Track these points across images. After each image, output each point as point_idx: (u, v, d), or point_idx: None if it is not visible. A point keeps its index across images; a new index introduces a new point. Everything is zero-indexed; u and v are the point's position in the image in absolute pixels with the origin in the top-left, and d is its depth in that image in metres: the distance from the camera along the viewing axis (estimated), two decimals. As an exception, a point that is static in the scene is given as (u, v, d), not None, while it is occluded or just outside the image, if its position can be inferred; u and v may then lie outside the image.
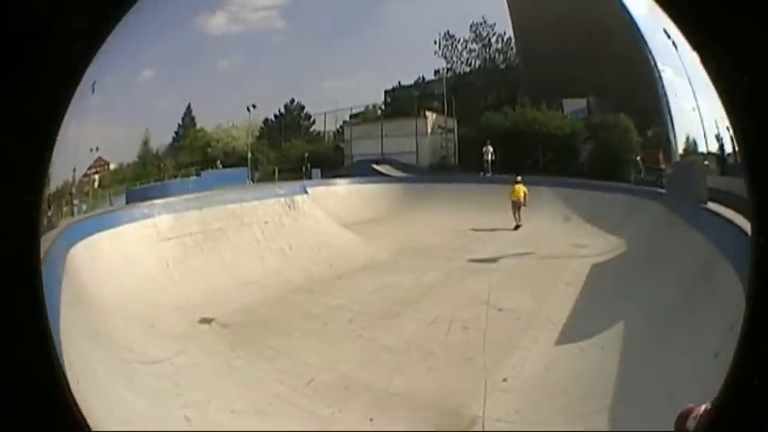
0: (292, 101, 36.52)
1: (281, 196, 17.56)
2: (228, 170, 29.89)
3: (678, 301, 7.98)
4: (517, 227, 19.64)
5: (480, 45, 33.03)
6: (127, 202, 21.59)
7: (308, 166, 30.72)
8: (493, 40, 32.84)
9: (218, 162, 31.31)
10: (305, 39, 33.45)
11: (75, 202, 22.13)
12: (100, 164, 27.09)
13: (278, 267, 13.81)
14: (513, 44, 32.10)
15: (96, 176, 26.65)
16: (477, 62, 33.33)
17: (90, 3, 1.99)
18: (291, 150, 33.53)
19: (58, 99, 1.92)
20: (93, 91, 18.65)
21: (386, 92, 35.28)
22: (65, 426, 1.96)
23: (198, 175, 28.43)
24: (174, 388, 7.24)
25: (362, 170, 28.80)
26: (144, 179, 28.42)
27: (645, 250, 12.16)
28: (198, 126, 34.46)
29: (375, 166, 29.40)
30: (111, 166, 28.29)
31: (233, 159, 31.83)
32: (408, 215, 19.17)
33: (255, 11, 37.27)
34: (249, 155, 31.48)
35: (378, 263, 14.48)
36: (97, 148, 27.37)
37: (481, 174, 26.41)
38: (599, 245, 14.89)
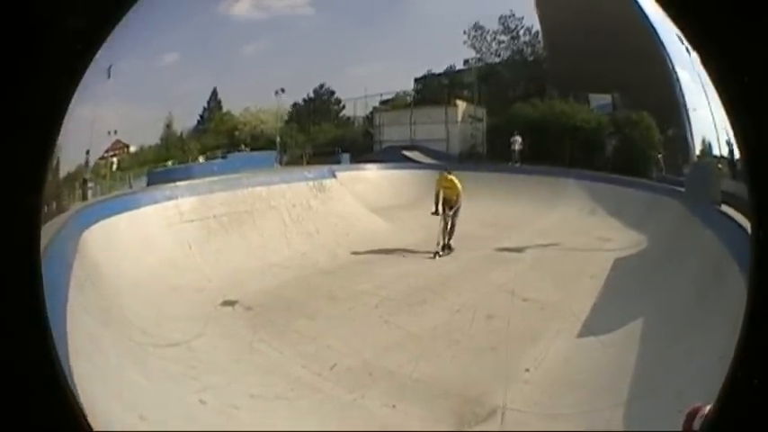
0: (321, 86, 36.45)
1: (309, 180, 17.57)
2: (256, 153, 29.78)
3: (692, 298, 7.99)
4: (444, 248, 14.23)
5: (509, 37, 32.85)
6: (148, 185, 21.60)
7: (338, 150, 30.51)
8: (521, 32, 32.64)
9: (243, 145, 31.19)
10: (333, 25, 33.41)
11: (90, 185, 22.17)
12: (118, 146, 27.22)
13: (304, 250, 13.89)
14: (540, 37, 31.77)
15: (114, 159, 26.75)
16: (506, 54, 33.07)
17: (90, 3, 2.00)
18: (320, 134, 33.53)
19: (58, 99, 1.93)
20: (109, 76, 18.77)
21: (416, 79, 34.88)
22: (65, 425, 1.97)
23: (224, 157, 28.34)
24: (190, 371, 7.23)
25: (392, 156, 28.65)
26: (166, 162, 28.42)
27: (664, 247, 12.06)
28: (224, 110, 34.47)
29: (405, 152, 29.29)
30: (132, 149, 28.46)
31: (261, 143, 31.81)
32: (427, 202, 18.41)
33: None
34: (278, 138, 31.41)
35: (405, 248, 14.45)
36: (115, 131, 27.33)
37: (509, 163, 26.20)
38: (622, 239, 14.69)
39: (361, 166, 26.17)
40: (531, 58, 32.65)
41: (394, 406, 6.49)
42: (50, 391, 1.96)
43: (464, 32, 32.76)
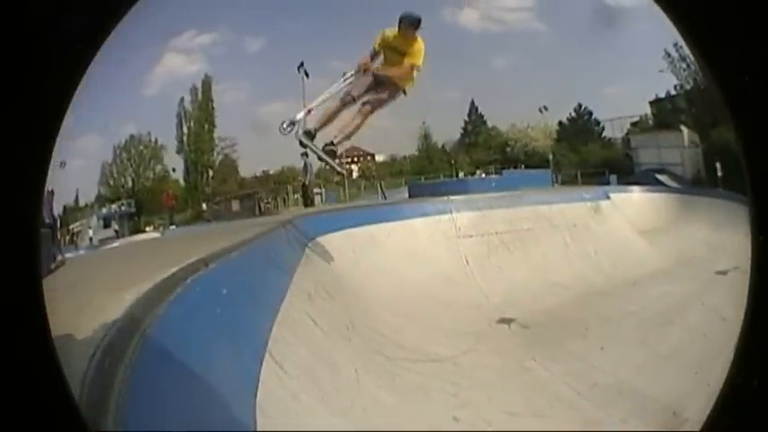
0: (580, 105, 36.24)
1: (586, 200, 17.16)
2: (532, 171, 30.24)
3: None
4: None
5: (686, 65, 32.92)
6: (410, 196, 21.96)
7: (606, 171, 30.32)
8: (690, 60, 31.42)
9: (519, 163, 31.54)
10: (566, 43, 33.53)
11: (317, 190, 22.81)
12: (356, 153, 28.15)
13: (583, 270, 13.39)
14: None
15: (353, 166, 27.63)
16: (691, 81, 33.16)
17: (90, 3, 1.95)
18: (590, 155, 33.48)
19: (58, 99, 1.88)
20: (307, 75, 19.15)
21: (650, 102, 35.91)
22: (65, 425, 1.88)
23: (499, 173, 28.68)
24: (450, 387, 7.00)
25: (647, 178, 28.97)
26: (428, 174, 29.15)
27: None
28: (488, 124, 35.01)
29: (657, 176, 29.45)
30: (379, 158, 29.38)
31: (534, 160, 32.02)
32: (679, 226, 18.02)
33: (509, 11, 37.45)
34: (551, 156, 31.53)
35: (660, 271, 13.67)
36: None
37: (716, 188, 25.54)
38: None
39: (627, 188, 25.62)
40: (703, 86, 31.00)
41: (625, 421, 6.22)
42: (50, 391, 1.82)
43: (663, 58, 33.23)
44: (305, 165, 24.67)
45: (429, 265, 11.81)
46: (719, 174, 25.51)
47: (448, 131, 33.99)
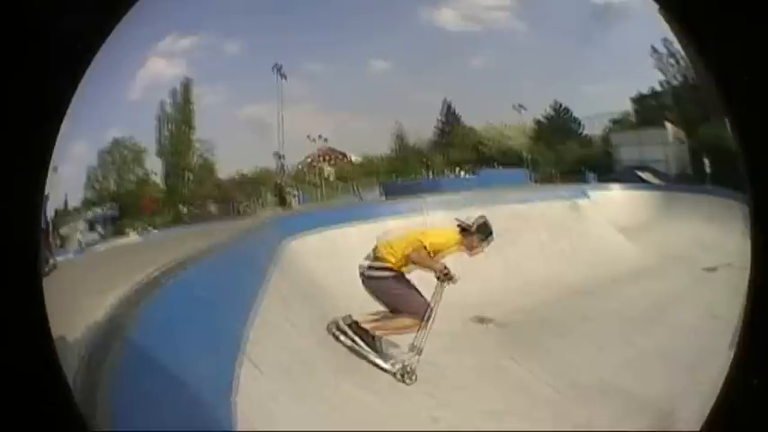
0: (560, 104, 36.44)
1: (564, 198, 17.38)
2: (508, 170, 30.33)
3: None
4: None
5: (674, 61, 31.40)
6: (385, 196, 22.07)
7: (583, 169, 30.15)
8: (680, 57, 31.02)
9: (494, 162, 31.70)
10: (545, 41, 33.50)
11: (294, 192, 22.93)
12: (331, 154, 28.45)
13: (561, 269, 13.50)
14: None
15: (327, 167, 27.86)
16: (679, 77, 31.73)
17: (90, 3, 2.02)
18: (568, 153, 33.54)
19: (58, 99, 1.94)
20: (284, 76, 19.42)
21: (631, 99, 34.46)
22: (65, 425, 1.93)
23: (475, 173, 28.86)
24: (428, 387, 7.11)
25: (630, 176, 28.53)
26: (403, 174, 29.35)
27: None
28: (463, 124, 35.19)
29: (639, 173, 29.16)
30: (354, 158, 29.67)
31: (510, 159, 32.16)
32: (663, 223, 18.00)
33: (488, 10, 37.45)
34: (527, 155, 31.74)
35: (645, 268, 13.73)
36: (325, 138, 28.56)
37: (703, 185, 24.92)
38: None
39: (607, 185, 25.66)
40: (695, 83, 30.99)
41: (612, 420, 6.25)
42: (50, 391, 1.92)
43: (650, 54, 32.09)
44: (281, 166, 24.98)
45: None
46: (708, 170, 25.34)
47: (423, 131, 34.13)
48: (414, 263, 7.56)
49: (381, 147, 32.00)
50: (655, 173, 28.84)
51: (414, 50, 29.58)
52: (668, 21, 2.11)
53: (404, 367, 7.14)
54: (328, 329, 7.62)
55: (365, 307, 9.10)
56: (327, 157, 29.23)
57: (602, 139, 34.75)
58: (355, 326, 7.54)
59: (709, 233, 15.63)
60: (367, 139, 31.79)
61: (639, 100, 34.09)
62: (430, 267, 7.51)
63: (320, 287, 9.95)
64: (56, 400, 1.92)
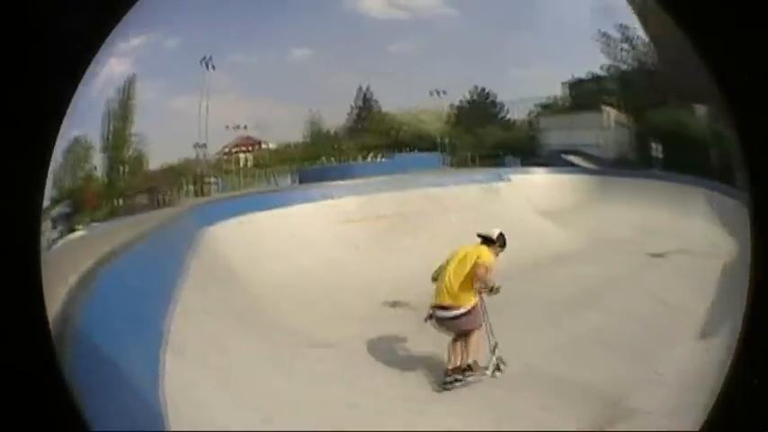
0: (483, 89, 36.48)
1: (480, 182, 17.62)
2: (422, 154, 30.17)
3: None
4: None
5: (629, 46, 32.00)
6: (300, 183, 22.08)
7: (502, 153, 30.29)
8: (638, 43, 31.58)
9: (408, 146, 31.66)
10: (475, 27, 33.51)
11: (212, 180, 22.89)
12: (249, 142, 28.49)
13: None
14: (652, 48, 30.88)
15: (245, 155, 27.86)
16: (633, 63, 32.47)
17: (90, 3, 2.06)
18: (487, 137, 33.51)
19: (58, 99, 1.98)
20: (213, 68, 19.37)
21: (564, 84, 34.69)
22: (65, 425, 1.99)
23: (389, 157, 28.77)
24: (345, 372, 7.21)
25: (555, 160, 28.52)
26: (318, 161, 29.33)
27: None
28: (379, 109, 35.16)
29: (566, 157, 29.11)
30: (271, 146, 29.70)
31: (426, 144, 32.16)
32: (597, 207, 18.18)
33: None
34: (444, 140, 31.76)
35: (573, 253, 13.98)
36: (245, 127, 28.95)
37: (650, 169, 25.17)
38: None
39: (529, 169, 25.88)
40: (652, 68, 31.63)
41: (545, 409, 6.29)
42: (50, 391, 1.97)
43: (596, 39, 32.21)
44: (202, 155, 24.94)
45: (318, 251, 11.94)
46: (660, 155, 25.53)
47: (339, 118, 34.01)
48: (478, 279, 7.36)
49: (299, 134, 31.99)
50: (586, 157, 29.11)
51: (336, 38, 29.60)
52: (672, 21, 2.08)
53: (495, 364, 7.36)
54: (444, 387, 7.11)
55: (281, 292, 9.17)
56: (244, 146, 29.07)
57: (529, 123, 34.95)
58: (468, 369, 7.30)
59: (657, 218, 15.87)
60: (286, 127, 31.69)
61: (576, 85, 34.33)
62: (489, 282, 7.34)
63: (235, 273, 9.91)
64: (56, 400, 1.96)
